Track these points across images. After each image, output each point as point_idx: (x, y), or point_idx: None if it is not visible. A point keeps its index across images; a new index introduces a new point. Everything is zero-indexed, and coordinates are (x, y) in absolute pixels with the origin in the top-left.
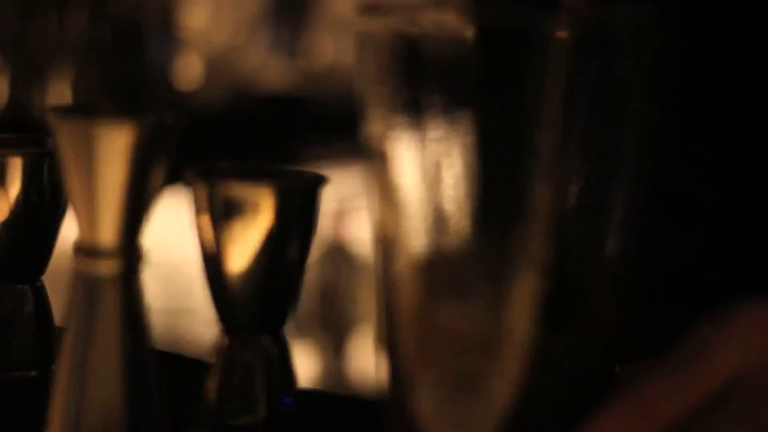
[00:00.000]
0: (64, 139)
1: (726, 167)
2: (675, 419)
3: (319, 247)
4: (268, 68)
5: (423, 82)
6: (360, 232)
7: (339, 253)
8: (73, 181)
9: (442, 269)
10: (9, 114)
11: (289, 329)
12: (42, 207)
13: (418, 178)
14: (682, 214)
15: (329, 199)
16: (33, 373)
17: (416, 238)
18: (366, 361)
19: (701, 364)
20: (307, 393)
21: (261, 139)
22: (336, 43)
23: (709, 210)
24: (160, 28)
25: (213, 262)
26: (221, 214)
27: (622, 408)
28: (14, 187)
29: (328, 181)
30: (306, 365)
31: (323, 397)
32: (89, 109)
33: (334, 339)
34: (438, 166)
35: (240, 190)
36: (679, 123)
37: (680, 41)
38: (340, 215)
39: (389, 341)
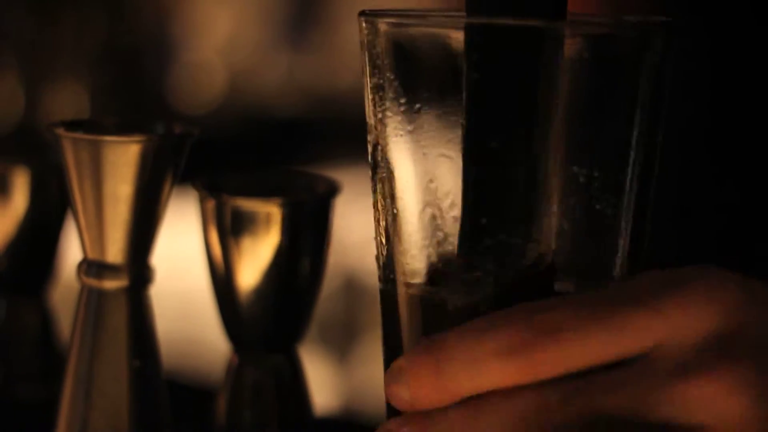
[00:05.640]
0: (71, 154)
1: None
2: (576, 364)
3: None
4: (283, 91)
5: (420, 84)
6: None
7: (357, 277)
8: (79, 197)
9: (441, 275)
10: (19, 124)
11: (306, 346)
12: (47, 220)
13: (416, 185)
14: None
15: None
16: (38, 388)
17: (416, 245)
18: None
19: (636, 314)
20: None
21: (274, 162)
22: (354, 67)
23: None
24: (176, 44)
25: (222, 277)
26: (229, 228)
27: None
28: (20, 199)
29: (340, 190)
30: (323, 382)
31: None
32: (96, 124)
33: (351, 355)
34: (436, 173)
35: (248, 203)
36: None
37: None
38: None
39: (390, 357)
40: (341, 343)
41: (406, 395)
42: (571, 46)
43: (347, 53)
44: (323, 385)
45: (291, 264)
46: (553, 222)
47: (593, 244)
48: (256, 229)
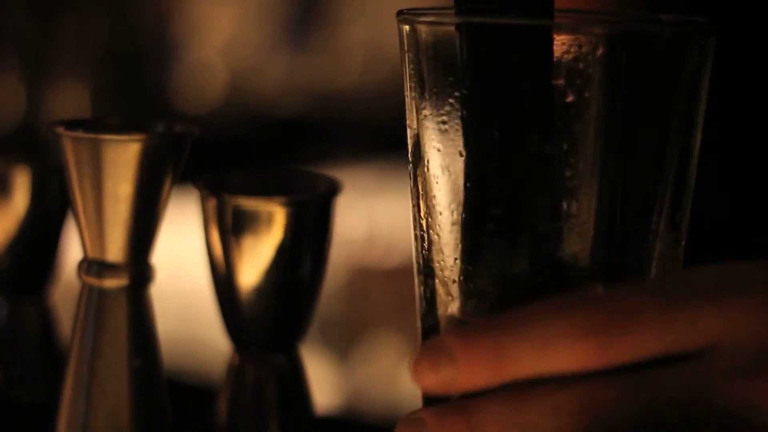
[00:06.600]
0: (72, 153)
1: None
2: (631, 354)
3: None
4: (284, 90)
5: (457, 81)
6: (387, 253)
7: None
8: (80, 195)
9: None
10: (21, 124)
11: (307, 345)
12: (48, 219)
13: (453, 182)
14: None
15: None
16: (39, 387)
17: (453, 237)
18: (387, 381)
19: (699, 311)
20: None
21: (275, 162)
22: (356, 67)
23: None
24: (177, 43)
25: (223, 276)
26: (231, 227)
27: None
28: (21, 198)
29: (341, 190)
30: (324, 382)
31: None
32: (97, 123)
33: (353, 354)
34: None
35: (250, 203)
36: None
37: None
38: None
39: None
40: (342, 343)
41: (449, 373)
42: (606, 46)
43: (348, 53)
44: (324, 384)
45: (292, 263)
46: (584, 225)
47: (627, 249)
48: (257, 229)
